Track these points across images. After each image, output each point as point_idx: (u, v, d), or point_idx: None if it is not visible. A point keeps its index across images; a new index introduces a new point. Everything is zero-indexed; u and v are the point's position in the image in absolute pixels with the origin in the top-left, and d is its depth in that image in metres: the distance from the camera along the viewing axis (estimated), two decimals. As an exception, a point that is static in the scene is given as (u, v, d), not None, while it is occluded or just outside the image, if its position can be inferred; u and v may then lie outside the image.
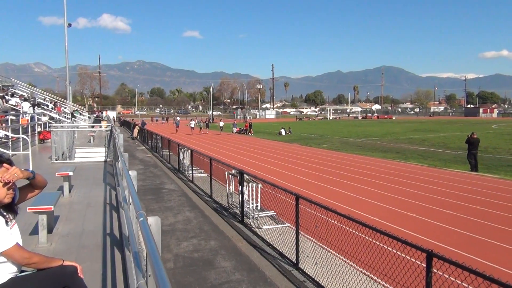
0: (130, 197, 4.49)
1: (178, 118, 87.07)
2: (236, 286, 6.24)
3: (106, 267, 5.14)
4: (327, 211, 6.19)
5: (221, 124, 50.85)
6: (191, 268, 6.95)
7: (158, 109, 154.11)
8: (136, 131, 39.87)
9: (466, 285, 4.00)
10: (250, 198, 9.62)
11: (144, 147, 31.04)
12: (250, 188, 9.63)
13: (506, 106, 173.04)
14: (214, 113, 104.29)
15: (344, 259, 6.83)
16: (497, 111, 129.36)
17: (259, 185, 9.72)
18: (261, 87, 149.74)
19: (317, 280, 6.35)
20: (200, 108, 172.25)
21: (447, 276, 4.26)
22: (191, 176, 15.73)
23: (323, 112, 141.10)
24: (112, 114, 62.49)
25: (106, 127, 18.71)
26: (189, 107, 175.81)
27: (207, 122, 57.95)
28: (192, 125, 47.96)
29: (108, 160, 15.42)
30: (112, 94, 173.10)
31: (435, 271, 4.20)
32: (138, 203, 3.26)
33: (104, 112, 63.66)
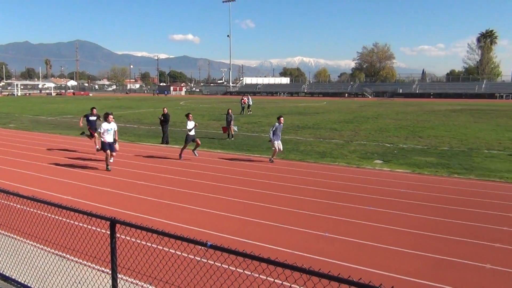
0: None
1: None
2: None
3: None
4: (8, 195, 5.68)
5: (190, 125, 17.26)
6: None
7: None
8: None
9: (150, 244, 4.52)
10: None
11: None
12: None
13: (192, 85, 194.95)
14: None
15: (31, 243, 6.47)
16: (185, 89, 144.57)
17: None
18: None
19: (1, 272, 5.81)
20: None
21: (133, 239, 4.67)
22: None
23: (9, 88, 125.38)
24: None
25: None
26: None
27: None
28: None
29: None
30: None
31: (119, 236, 4.50)
32: None
33: None
